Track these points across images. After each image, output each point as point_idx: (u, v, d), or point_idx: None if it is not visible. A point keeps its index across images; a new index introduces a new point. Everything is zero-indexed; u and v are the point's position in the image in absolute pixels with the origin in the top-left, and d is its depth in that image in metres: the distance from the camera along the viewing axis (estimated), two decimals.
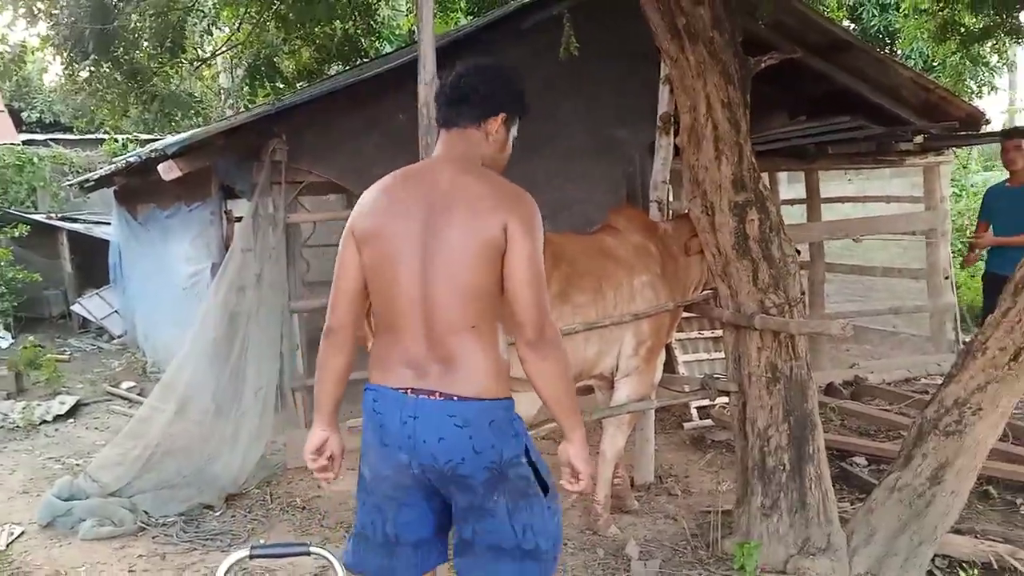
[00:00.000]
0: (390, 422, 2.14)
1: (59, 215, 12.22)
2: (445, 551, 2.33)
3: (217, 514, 4.56)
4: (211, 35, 8.47)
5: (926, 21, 7.69)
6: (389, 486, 2.20)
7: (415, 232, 2.13)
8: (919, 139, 6.90)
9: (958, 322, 7.36)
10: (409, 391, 2.12)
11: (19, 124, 15.72)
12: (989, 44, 7.93)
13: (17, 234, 8.33)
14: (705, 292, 4.32)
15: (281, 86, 8.52)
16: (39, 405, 6.91)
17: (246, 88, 8.32)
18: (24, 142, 13.74)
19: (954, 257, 8.01)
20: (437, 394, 2.09)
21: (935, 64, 11.81)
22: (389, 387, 2.16)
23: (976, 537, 3.77)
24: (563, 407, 2.18)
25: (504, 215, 2.09)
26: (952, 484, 3.32)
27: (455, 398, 2.09)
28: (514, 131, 2.41)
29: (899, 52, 12.87)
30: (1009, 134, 5.96)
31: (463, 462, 2.08)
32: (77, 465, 5.46)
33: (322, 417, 2.32)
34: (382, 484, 2.21)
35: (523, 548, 2.15)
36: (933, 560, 3.49)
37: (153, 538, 4.25)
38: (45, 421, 6.64)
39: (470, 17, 10.89)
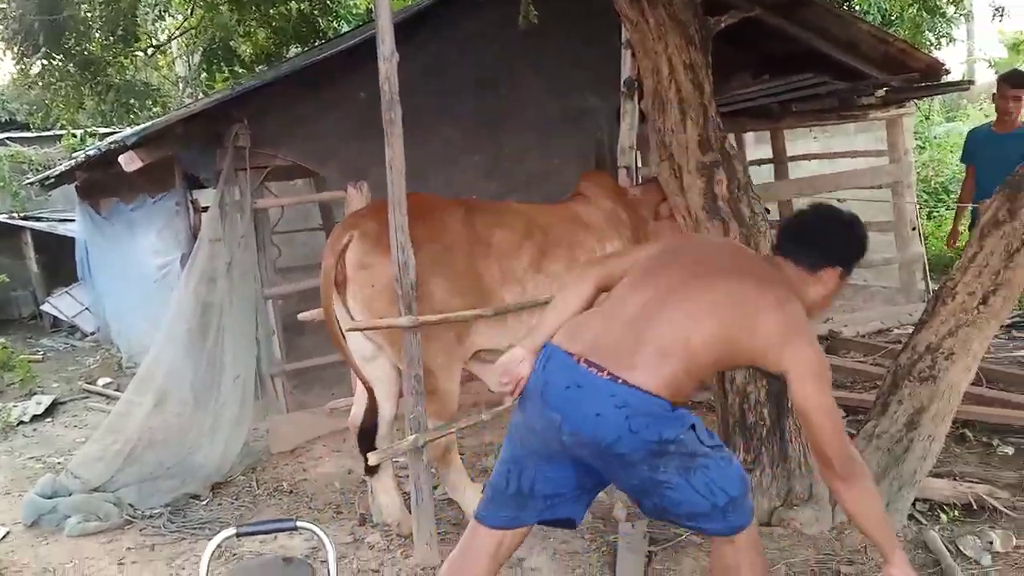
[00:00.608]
0: (554, 382, 2.23)
1: (21, 215, 11.99)
2: (583, 509, 2.44)
3: (204, 503, 4.54)
4: (164, 21, 8.31)
5: None
6: (537, 441, 2.29)
7: (693, 270, 2.35)
8: (881, 93, 6.95)
9: (927, 272, 7.46)
10: (582, 360, 2.21)
11: None
12: None
13: None
14: None
15: (240, 70, 8.38)
16: (15, 406, 6.83)
17: (204, 74, 8.18)
18: None
19: (919, 208, 8.11)
20: (606, 372, 2.17)
21: (893, 18, 11.86)
22: (565, 350, 2.25)
23: (955, 479, 3.84)
24: (879, 532, 2.27)
25: (785, 354, 2.22)
26: (929, 429, 3.39)
27: (620, 381, 2.16)
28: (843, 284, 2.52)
29: (856, 7, 12.91)
30: (1012, 79, 5.80)
31: (619, 440, 2.15)
32: (58, 463, 5.42)
33: (531, 344, 2.41)
34: (530, 437, 2.30)
35: (719, 506, 2.23)
36: (914, 504, 3.56)
37: (141, 530, 4.23)
38: (23, 422, 6.56)
39: None
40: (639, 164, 5.28)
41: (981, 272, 3.25)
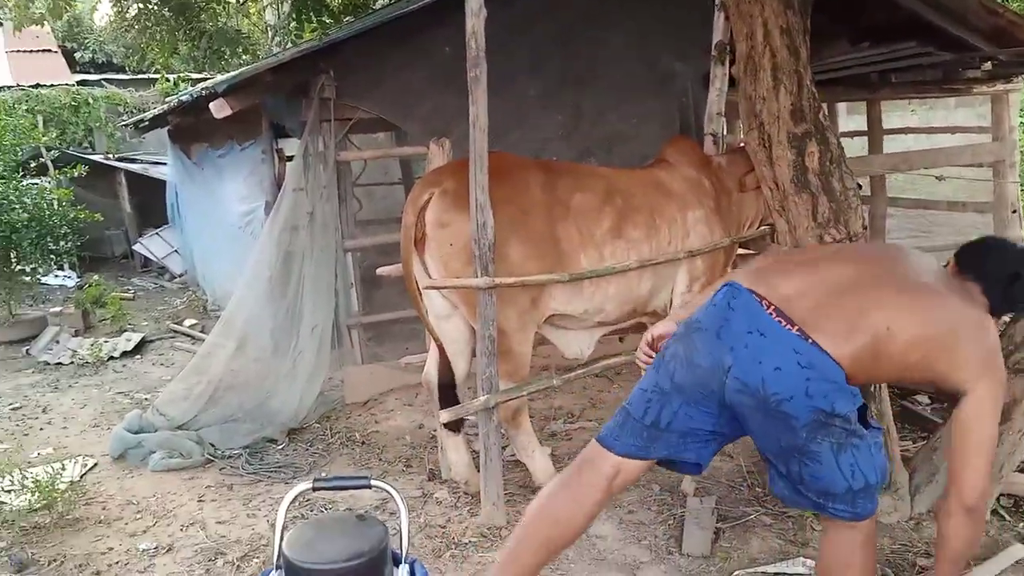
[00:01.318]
0: (737, 323, 2.12)
1: (116, 155, 12.42)
2: (710, 455, 2.33)
3: (280, 447, 4.70)
4: None
5: None
6: (694, 378, 2.17)
7: (893, 267, 2.28)
8: (987, 66, 6.59)
9: None
10: (772, 308, 2.11)
11: (72, 65, 15.90)
12: None
13: (76, 174, 8.49)
14: (762, 228, 4.24)
15: (328, 21, 8.43)
16: (107, 342, 7.16)
17: (293, 24, 8.25)
18: (78, 82, 13.91)
19: (1023, 189, 7.71)
20: (796, 327, 2.07)
21: None
22: (756, 293, 2.15)
23: None
24: (955, 568, 2.25)
25: (989, 371, 2.13)
26: (1019, 423, 3.25)
27: (811, 341, 2.06)
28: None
29: None
30: None
31: (791, 400, 2.05)
32: (145, 399, 5.67)
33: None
34: (687, 372, 2.18)
35: (854, 489, 2.15)
36: (998, 499, 3.44)
37: (220, 470, 4.41)
38: (113, 357, 6.88)
39: None
40: (725, 132, 5.14)
41: None
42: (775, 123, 3.56)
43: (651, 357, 2.35)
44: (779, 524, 3.49)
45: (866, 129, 7.63)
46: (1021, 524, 3.36)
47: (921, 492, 3.41)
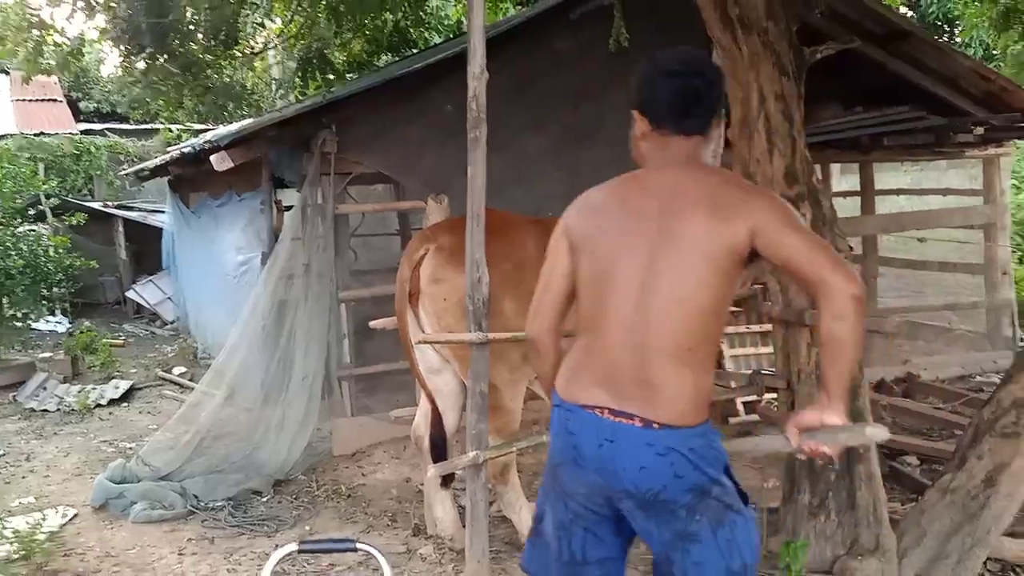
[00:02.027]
0: (585, 444, 2.03)
1: (115, 203, 12.51)
2: (624, 569, 2.24)
3: (264, 500, 4.64)
4: (264, 27, 8.57)
5: (988, 8, 7.44)
6: (580, 504, 2.12)
7: (643, 237, 2.01)
8: (979, 130, 6.70)
9: (1016, 319, 7.14)
10: (606, 412, 2.01)
11: (77, 113, 16.09)
12: None
13: (75, 222, 8.54)
14: (754, 286, 4.26)
15: (331, 77, 8.58)
16: (94, 389, 7.11)
17: (298, 80, 8.39)
18: (82, 131, 14.07)
19: (1013, 252, 7.78)
20: (637, 420, 1.98)
21: (995, 53, 11.45)
22: (583, 406, 2.05)
23: None
24: (846, 374, 1.98)
25: (750, 214, 1.95)
26: (1007, 487, 3.22)
27: (655, 425, 1.96)
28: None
29: (959, 40, 12.51)
30: None
31: (665, 488, 1.98)
32: (130, 448, 5.61)
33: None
34: (572, 501, 2.13)
35: (732, 570, 2.04)
36: (985, 564, 3.40)
37: (202, 522, 4.35)
38: (100, 405, 6.83)
39: (519, 7, 10.85)
40: None
41: None
42: (769, 185, 3.60)
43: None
44: None
45: (859, 189, 7.72)
46: None
47: (909, 556, 3.36)
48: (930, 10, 12.58)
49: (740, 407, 5.82)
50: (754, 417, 5.70)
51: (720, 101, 2.15)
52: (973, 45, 12.05)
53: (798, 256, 1.93)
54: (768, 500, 4.06)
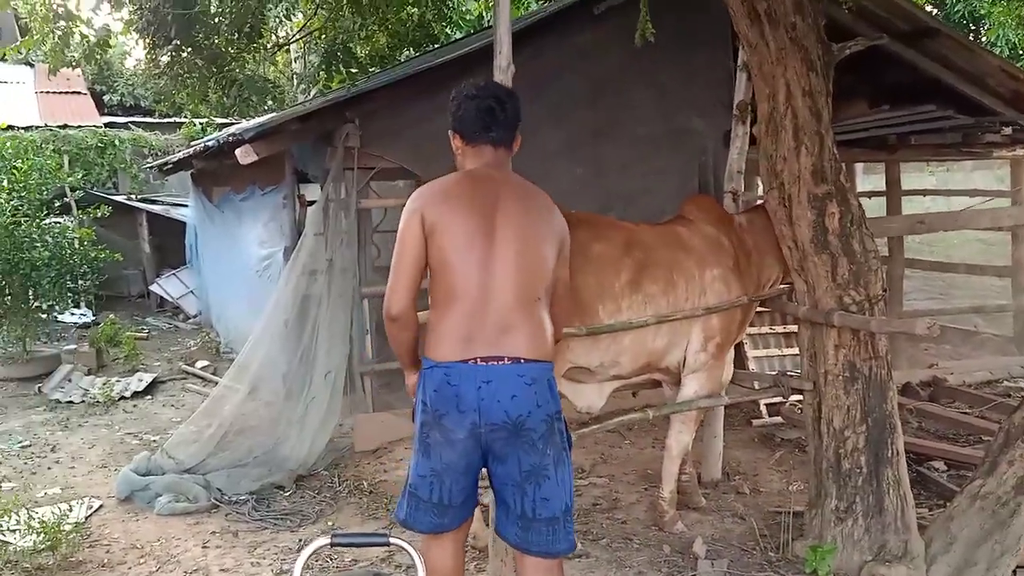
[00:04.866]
0: (466, 390, 2.37)
1: (139, 196, 12.58)
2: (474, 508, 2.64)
3: (287, 494, 4.65)
4: (289, 20, 8.59)
5: (1016, 7, 7.33)
6: (456, 453, 2.42)
7: (489, 219, 2.45)
8: (1007, 130, 6.61)
9: None
10: (479, 360, 2.38)
11: (101, 107, 16.20)
12: None
13: (99, 215, 8.60)
14: (780, 287, 4.21)
15: (355, 71, 8.59)
16: (118, 381, 7.16)
17: (321, 73, 8.40)
18: (106, 124, 14.16)
19: None
20: (506, 359, 2.39)
21: (1021, 52, 11.28)
22: (460, 360, 2.39)
23: None
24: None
25: (561, 228, 2.58)
26: None
27: (522, 360, 2.40)
28: None
29: (985, 39, 12.33)
30: None
31: (530, 415, 2.38)
32: (154, 441, 5.64)
33: (410, 369, 2.64)
34: (449, 451, 2.42)
35: (567, 509, 2.45)
36: (1014, 571, 3.34)
37: (226, 515, 4.36)
38: (124, 397, 6.87)
39: (541, 2, 10.81)
40: (743, 190, 5.14)
41: None
42: (796, 183, 3.57)
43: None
44: None
45: (883, 189, 7.63)
46: None
47: (937, 562, 3.32)
48: (955, 8, 12.40)
49: (764, 409, 5.79)
50: (777, 419, 5.66)
51: (517, 118, 2.63)
52: (999, 44, 11.86)
53: (564, 284, 2.63)
54: (793, 503, 4.04)
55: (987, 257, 8.38)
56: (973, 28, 12.82)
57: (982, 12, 11.45)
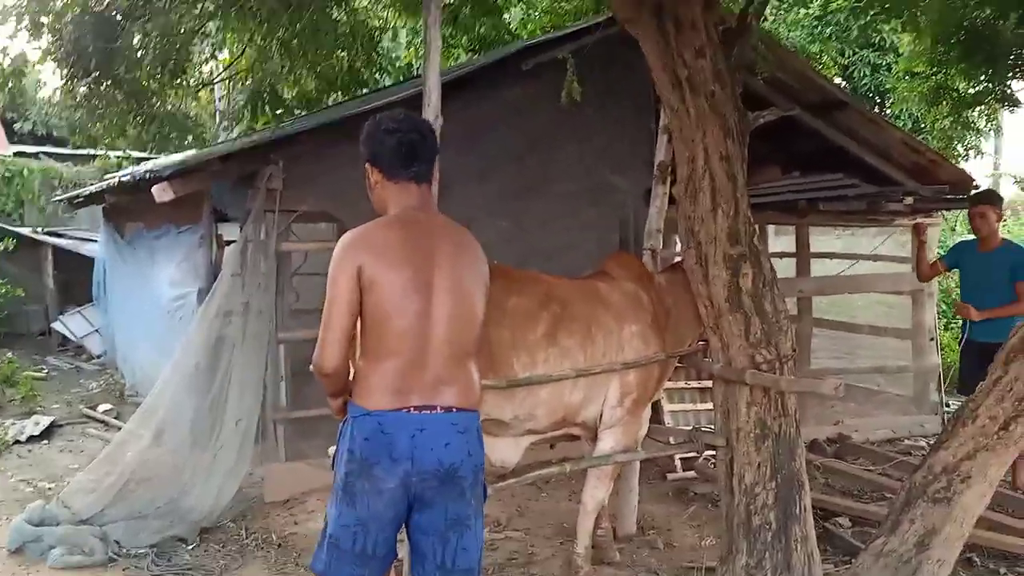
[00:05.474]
0: (400, 438, 2.39)
1: (45, 230, 12.11)
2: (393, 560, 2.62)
3: (190, 548, 4.45)
4: (215, 59, 8.49)
5: (919, 84, 7.78)
6: (384, 502, 2.41)
7: (428, 270, 2.46)
8: (909, 200, 6.97)
9: (942, 384, 7.37)
10: (412, 409, 2.41)
11: (10, 135, 15.64)
12: (978, 109, 8.02)
13: (3, 248, 8.23)
14: (697, 344, 4.30)
15: (280, 112, 8.52)
16: (13, 424, 6.79)
17: (245, 113, 8.29)
18: (14, 153, 13.66)
19: (939, 318, 8.05)
20: (438, 408, 2.42)
21: (923, 126, 11.96)
22: (394, 409, 2.40)
23: None
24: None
25: (487, 272, 2.61)
26: (939, 552, 3.29)
27: (454, 409, 2.44)
28: None
29: (889, 112, 13.06)
30: (975, 199, 5.85)
31: (462, 463, 2.43)
32: (49, 489, 5.35)
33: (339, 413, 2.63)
34: (376, 500, 2.41)
35: (479, 557, 2.51)
36: None
37: (124, 570, 4.16)
38: (18, 441, 6.51)
39: (470, 54, 10.98)
40: (661, 247, 5.27)
41: (1004, 397, 3.19)
42: (712, 244, 3.68)
43: None
44: None
45: (793, 251, 7.92)
46: None
47: None
48: (863, 82, 13.13)
49: (678, 463, 5.86)
50: (691, 473, 5.74)
51: (436, 151, 2.64)
52: (903, 117, 12.58)
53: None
54: (706, 558, 4.08)
55: (889, 320, 8.74)
56: (879, 101, 13.57)
57: (888, 86, 12.12)
